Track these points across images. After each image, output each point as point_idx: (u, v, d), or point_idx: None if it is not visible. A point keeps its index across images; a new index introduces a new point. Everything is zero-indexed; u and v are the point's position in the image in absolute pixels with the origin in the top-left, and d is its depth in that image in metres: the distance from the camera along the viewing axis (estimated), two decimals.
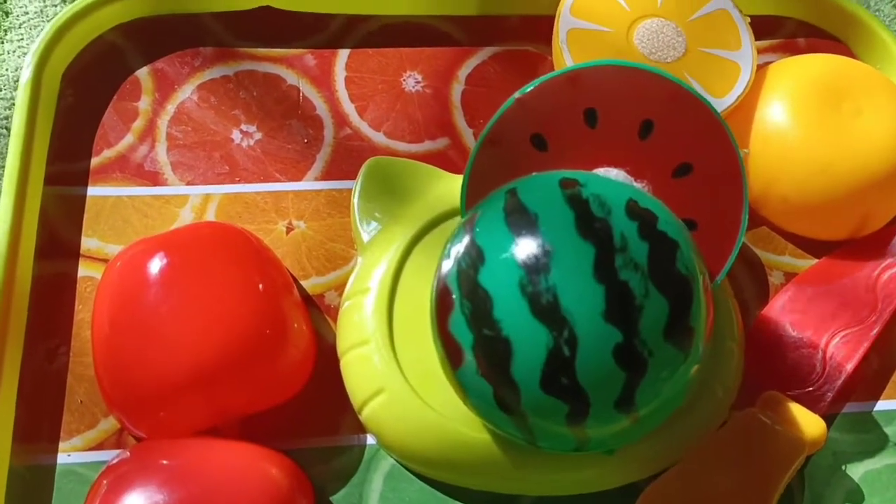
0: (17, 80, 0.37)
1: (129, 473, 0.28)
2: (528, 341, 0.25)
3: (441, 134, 0.37)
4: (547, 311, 0.25)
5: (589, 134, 0.30)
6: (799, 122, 0.35)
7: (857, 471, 0.32)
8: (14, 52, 0.38)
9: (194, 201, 0.35)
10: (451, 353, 0.27)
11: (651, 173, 0.30)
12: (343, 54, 0.38)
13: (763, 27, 0.40)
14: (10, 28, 0.38)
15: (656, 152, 0.30)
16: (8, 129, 0.36)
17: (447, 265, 0.27)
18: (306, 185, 0.35)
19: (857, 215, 0.36)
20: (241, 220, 0.34)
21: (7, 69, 0.37)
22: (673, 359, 0.26)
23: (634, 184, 0.29)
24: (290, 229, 0.35)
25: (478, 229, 0.27)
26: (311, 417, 0.31)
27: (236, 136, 0.36)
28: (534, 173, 0.29)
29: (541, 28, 0.38)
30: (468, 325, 0.26)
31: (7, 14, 0.38)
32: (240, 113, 0.37)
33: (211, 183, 0.35)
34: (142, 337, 0.29)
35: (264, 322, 0.30)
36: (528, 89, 0.29)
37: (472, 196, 0.30)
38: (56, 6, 0.39)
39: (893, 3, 0.43)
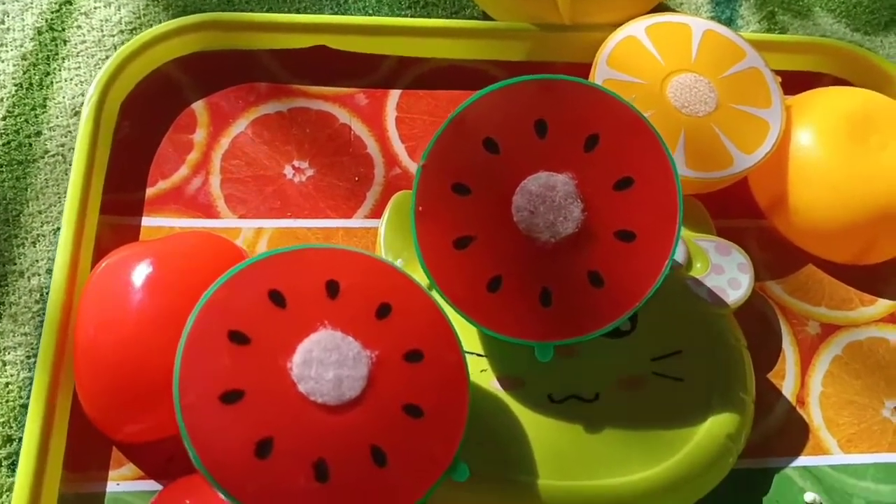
0: (74, 108, 0.37)
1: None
2: None
3: None
4: None
5: (538, 143, 0.30)
6: (821, 143, 0.36)
7: None
8: (71, 79, 0.38)
9: (246, 234, 0.35)
10: None
11: (593, 184, 0.30)
12: (394, 95, 0.39)
13: (800, 82, 0.41)
14: (67, 56, 0.39)
15: (600, 165, 0.30)
16: (63, 156, 0.36)
17: None
18: (356, 222, 0.36)
19: (861, 241, 0.36)
20: None
21: (64, 97, 0.38)
22: None
23: (577, 192, 0.30)
24: None
25: None
26: None
27: (288, 171, 0.37)
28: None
29: (582, 74, 0.39)
30: None
31: (65, 42, 0.39)
32: (292, 149, 0.37)
33: (263, 217, 0.36)
34: (123, 339, 0.29)
35: None
36: (501, 86, 0.30)
37: (429, 172, 0.30)
38: (114, 36, 0.39)
39: None
